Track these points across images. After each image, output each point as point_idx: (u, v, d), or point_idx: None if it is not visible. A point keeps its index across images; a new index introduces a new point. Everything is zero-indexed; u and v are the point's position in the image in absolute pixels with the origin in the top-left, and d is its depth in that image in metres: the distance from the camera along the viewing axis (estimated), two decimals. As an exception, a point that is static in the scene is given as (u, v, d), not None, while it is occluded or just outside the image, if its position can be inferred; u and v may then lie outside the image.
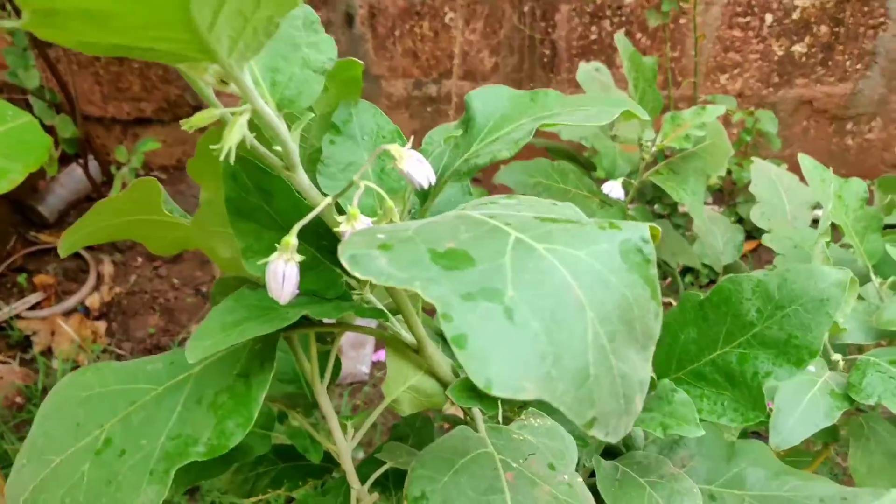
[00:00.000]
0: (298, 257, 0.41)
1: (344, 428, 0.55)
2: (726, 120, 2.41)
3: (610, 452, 0.70)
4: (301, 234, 0.43)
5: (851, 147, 2.49)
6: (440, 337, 0.65)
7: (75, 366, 2.11)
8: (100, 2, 0.26)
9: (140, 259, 2.61)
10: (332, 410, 0.54)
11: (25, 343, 2.23)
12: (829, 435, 0.86)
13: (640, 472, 0.64)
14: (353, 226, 0.40)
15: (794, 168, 2.01)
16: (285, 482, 0.69)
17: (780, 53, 2.32)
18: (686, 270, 2.07)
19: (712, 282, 2.21)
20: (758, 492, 0.65)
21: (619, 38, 1.11)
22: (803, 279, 0.59)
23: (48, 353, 2.17)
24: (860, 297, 0.87)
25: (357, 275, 0.31)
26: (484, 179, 2.60)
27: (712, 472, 0.67)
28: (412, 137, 0.47)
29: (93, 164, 2.61)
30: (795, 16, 2.24)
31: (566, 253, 0.32)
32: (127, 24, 0.28)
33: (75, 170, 2.65)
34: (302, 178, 0.42)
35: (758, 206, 1.20)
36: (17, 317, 2.32)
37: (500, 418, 0.52)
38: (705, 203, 2.14)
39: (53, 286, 2.47)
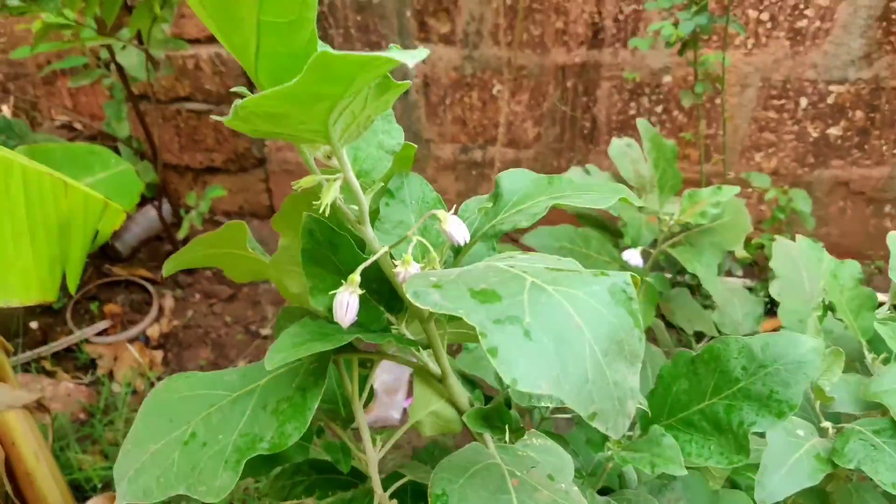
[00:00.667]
0: (359, 291, 0.54)
1: (374, 441, 0.67)
2: (760, 197, 2.49)
3: (604, 492, 0.79)
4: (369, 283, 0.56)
5: (891, 229, 2.53)
6: (460, 374, 0.76)
7: (133, 390, 2.27)
8: (283, 110, 0.40)
9: (198, 296, 2.80)
10: (366, 424, 0.66)
11: (91, 366, 2.41)
12: (819, 499, 0.92)
13: (629, 506, 0.73)
14: (407, 270, 0.53)
15: (832, 248, 2.09)
16: (317, 491, 0.80)
17: (816, 135, 2.41)
18: (702, 337, 2.14)
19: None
20: (736, 532, 0.73)
21: (641, 123, 1.24)
22: (783, 344, 0.69)
23: (110, 376, 2.34)
24: (854, 371, 0.95)
25: (418, 305, 0.44)
26: (516, 239, 2.73)
27: (697, 513, 0.76)
28: (454, 206, 0.60)
29: (166, 207, 2.85)
30: (830, 100, 2.34)
31: (568, 292, 0.44)
32: (290, 122, 0.42)
33: (150, 210, 2.89)
34: (369, 230, 0.55)
35: (777, 281, 1.29)
36: (86, 341, 2.52)
37: (507, 439, 0.63)
38: (736, 276, 2.21)
39: (120, 315, 2.67)
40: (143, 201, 2.90)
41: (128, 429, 1.91)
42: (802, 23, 2.24)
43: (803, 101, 2.37)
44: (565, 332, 0.41)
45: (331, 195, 0.48)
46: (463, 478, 0.57)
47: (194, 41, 2.65)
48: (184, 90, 2.83)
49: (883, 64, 2.24)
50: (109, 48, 2.28)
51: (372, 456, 0.66)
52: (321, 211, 0.48)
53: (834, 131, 2.40)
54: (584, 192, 0.58)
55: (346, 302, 0.53)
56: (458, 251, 0.60)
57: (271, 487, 0.85)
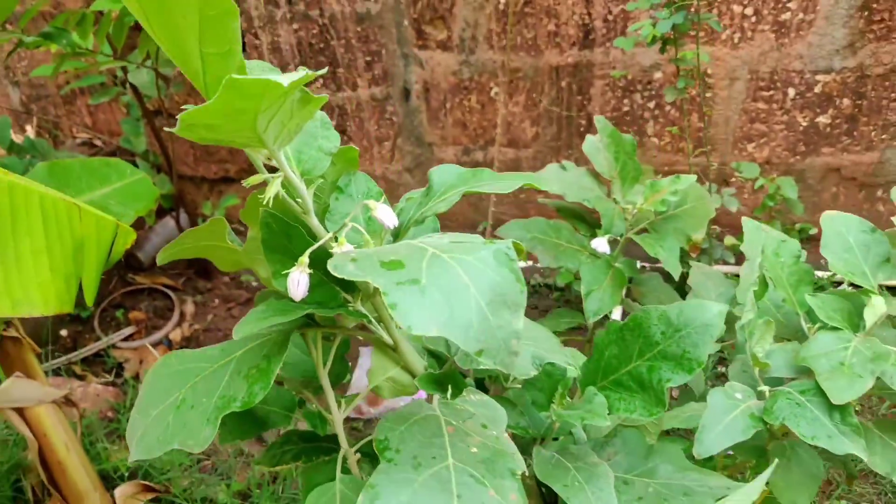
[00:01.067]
0: (308, 271, 0.65)
1: (339, 404, 0.78)
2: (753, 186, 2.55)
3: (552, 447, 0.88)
4: (314, 265, 0.67)
5: (884, 213, 2.57)
6: (424, 348, 0.87)
7: (157, 391, 2.41)
8: (215, 121, 0.51)
9: (217, 301, 2.94)
10: (330, 387, 0.76)
11: (118, 369, 2.56)
12: (757, 454, 1.01)
13: (569, 460, 0.83)
14: (341, 250, 0.64)
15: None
16: (303, 457, 0.91)
17: (805, 124, 2.47)
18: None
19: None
20: (664, 480, 0.82)
21: (598, 119, 1.33)
22: (694, 310, 0.79)
23: (136, 377, 2.48)
24: (789, 339, 1.03)
25: (336, 274, 0.54)
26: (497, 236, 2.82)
27: (631, 465, 0.85)
28: (381, 196, 0.70)
29: (183, 217, 3.00)
30: (817, 90, 2.39)
31: (460, 258, 0.55)
32: (226, 131, 0.53)
33: (169, 221, 3.04)
34: (313, 219, 0.66)
35: (747, 263, 1.37)
36: (113, 346, 2.67)
37: (449, 396, 0.73)
38: (728, 263, 2.28)
39: (144, 321, 2.82)
40: (162, 212, 3.06)
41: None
42: (786, 15, 2.31)
43: (791, 92, 2.43)
44: (454, 288, 0.52)
45: (272, 190, 0.59)
46: (404, 426, 0.67)
47: (205, 59, 2.79)
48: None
49: (867, 52, 2.29)
50: (123, 68, 2.42)
51: (337, 416, 0.77)
52: (265, 203, 0.59)
53: (823, 119, 2.45)
54: (497, 181, 0.68)
55: (297, 280, 0.64)
56: (397, 236, 0.71)
57: (264, 456, 0.96)
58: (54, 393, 1.58)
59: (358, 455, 0.77)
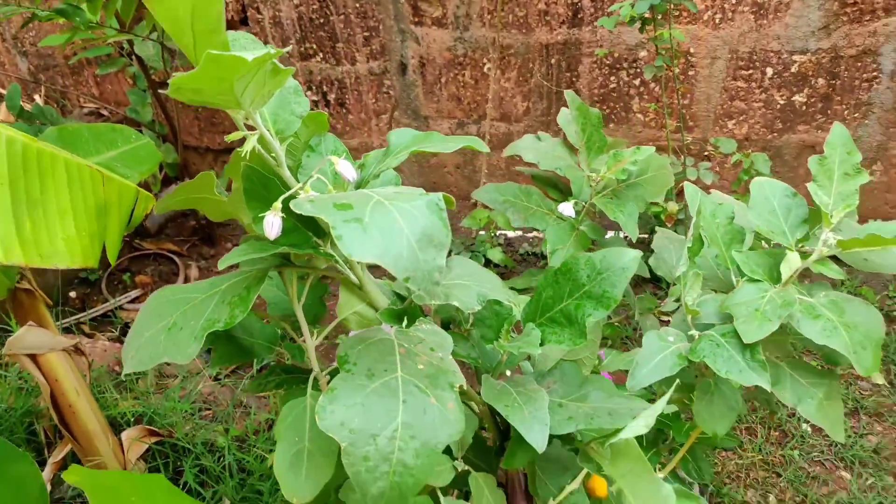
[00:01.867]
0: (281, 215, 0.77)
1: (312, 333, 0.91)
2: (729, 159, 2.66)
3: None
4: (288, 211, 0.79)
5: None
6: (394, 293, 0.99)
7: (161, 349, 2.55)
8: (199, 86, 0.63)
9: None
10: (304, 318, 0.89)
11: (125, 328, 2.71)
12: (687, 390, 1.14)
13: (513, 386, 0.96)
14: (304, 195, 0.76)
15: None
16: (284, 385, 1.04)
17: (782, 102, 2.56)
18: (647, 281, 2.34)
19: (666, 291, 2.46)
20: (593, 404, 0.96)
21: (568, 94, 1.44)
22: (614, 256, 0.91)
23: (141, 336, 2.62)
24: (719, 291, 1.16)
25: (296, 211, 0.67)
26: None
27: (566, 392, 0.99)
28: (345, 153, 0.82)
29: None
30: (794, 69, 2.49)
31: (398, 205, 0.67)
32: (208, 94, 0.66)
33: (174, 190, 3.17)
34: (285, 171, 0.78)
35: (693, 225, 1.49)
36: (120, 308, 2.82)
37: (404, 326, 0.86)
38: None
39: (150, 284, 2.97)
40: (168, 181, 3.19)
41: (157, 379, 2.18)
42: (764, -4, 2.40)
43: (769, 71, 2.53)
44: (390, 227, 0.64)
45: (249, 145, 0.71)
46: (362, 345, 0.81)
47: (207, 32, 2.90)
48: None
49: (840, 34, 2.38)
50: (130, 41, 2.54)
51: (310, 342, 0.90)
52: (243, 156, 0.71)
53: (799, 98, 2.55)
54: (443, 142, 0.80)
55: (272, 222, 0.76)
56: (359, 188, 0.83)
57: (251, 385, 1.10)
58: (65, 342, 1.72)
59: (328, 377, 0.90)
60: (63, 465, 1.85)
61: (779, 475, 2.01)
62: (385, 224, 0.65)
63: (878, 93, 2.45)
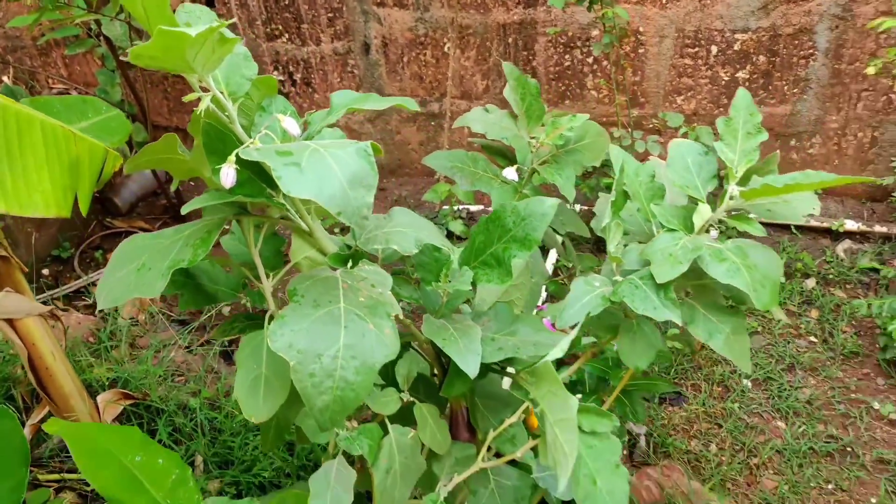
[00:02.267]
0: (235, 166, 0.87)
1: (268, 276, 1.01)
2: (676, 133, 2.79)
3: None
4: (242, 164, 0.90)
5: (796, 161, 2.83)
6: (344, 244, 1.10)
7: (136, 321, 2.63)
8: (155, 54, 0.73)
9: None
10: (260, 262, 1.00)
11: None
12: (612, 331, 1.26)
13: (451, 323, 1.07)
14: (252, 146, 0.87)
15: None
16: (248, 330, 1.15)
17: (727, 79, 2.70)
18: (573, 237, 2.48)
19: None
20: (521, 338, 1.08)
21: (506, 66, 1.54)
22: (535, 204, 1.03)
23: (115, 310, 2.70)
24: (643, 242, 1.28)
25: (243, 157, 0.77)
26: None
27: (499, 328, 1.11)
28: (290, 112, 0.93)
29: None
30: (736, 47, 2.62)
31: (332, 151, 0.78)
32: (163, 61, 0.76)
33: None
34: (237, 127, 0.89)
35: (616, 182, 1.61)
36: (93, 284, 2.88)
37: (349, 266, 0.97)
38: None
39: (121, 262, 3.04)
40: (138, 161, 3.24)
41: (130, 350, 2.26)
42: (708, -23, 2.52)
43: (714, 49, 2.66)
44: (324, 170, 0.75)
45: (203, 104, 0.81)
46: (310, 281, 0.91)
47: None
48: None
49: (778, 14, 2.52)
50: (97, 22, 2.59)
51: (266, 284, 1.01)
52: (199, 113, 0.81)
53: (742, 75, 2.69)
54: (377, 101, 0.91)
55: (227, 172, 0.87)
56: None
57: (217, 331, 1.20)
58: (41, 308, 1.80)
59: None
60: (40, 428, 1.94)
61: (720, 426, 2.16)
62: (320, 167, 0.76)
63: (815, 69, 2.60)
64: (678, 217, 1.23)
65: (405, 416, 1.15)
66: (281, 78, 3.13)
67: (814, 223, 2.75)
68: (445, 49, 2.92)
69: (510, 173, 1.56)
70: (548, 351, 1.03)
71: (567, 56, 2.80)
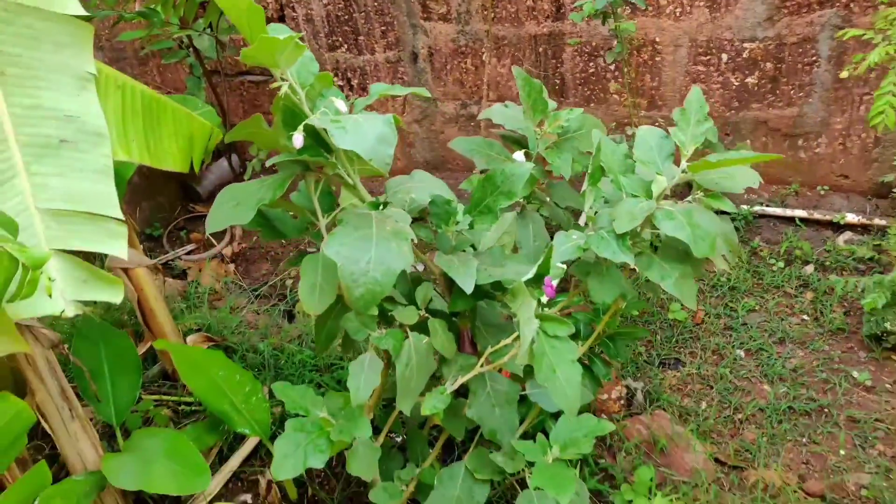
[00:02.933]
0: (302, 133, 1.28)
1: (324, 216, 1.42)
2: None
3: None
4: (308, 132, 1.30)
5: (804, 159, 3.09)
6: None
7: (213, 289, 3.10)
8: (256, 55, 1.14)
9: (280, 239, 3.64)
10: (319, 207, 1.40)
11: (183, 274, 3.27)
12: (586, 273, 1.61)
13: (456, 258, 1.45)
14: (315, 118, 1.26)
15: (760, 175, 2.75)
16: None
17: (737, 84, 2.99)
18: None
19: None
20: (506, 269, 1.44)
21: (515, 69, 1.91)
22: (517, 167, 1.40)
23: (198, 283, 3.18)
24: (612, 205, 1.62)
25: (310, 124, 1.18)
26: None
27: (493, 263, 1.47)
28: (342, 97, 1.33)
29: (234, 158, 3.69)
30: (745, 55, 2.91)
31: (367, 121, 1.18)
32: (261, 59, 1.17)
33: (223, 162, 3.74)
34: (305, 107, 1.29)
35: (593, 159, 1.94)
36: (179, 258, 3.39)
37: (380, 209, 1.36)
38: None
39: (202, 240, 3.53)
40: (217, 155, 3.74)
41: (211, 310, 2.71)
42: (717, -7, 2.83)
43: (724, 57, 2.96)
44: (361, 132, 1.14)
45: (283, 90, 1.21)
46: (352, 215, 1.31)
47: (252, 28, 3.45)
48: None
49: (783, 24, 2.80)
50: (189, 36, 3.09)
51: (322, 222, 1.40)
52: (280, 96, 1.22)
53: (751, 80, 2.97)
54: (401, 90, 1.30)
55: (297, 137, 1.26)
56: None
57: (286, 262, 1.61)
58: (148, 260, 2.27)
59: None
60: (145, 358, 2.40)
61: (711, 387, 2.45)
62: (358, 130, 1.15)
63: (818, 75, 2.86)
64: (641, 186, 1.57)
65: (422, 330, 1.52)
66: (340, 83, 3.58)
67: (817, 216, 3.00)
68: (483, 58, 3.30)
69: (519, 156, 1.92)
70: (523, 276, 1.39)
71: (591, 64, 3.14)
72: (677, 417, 2.31)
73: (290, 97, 1.27)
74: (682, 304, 2.75)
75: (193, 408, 2.27)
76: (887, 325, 2.36)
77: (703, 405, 2.39)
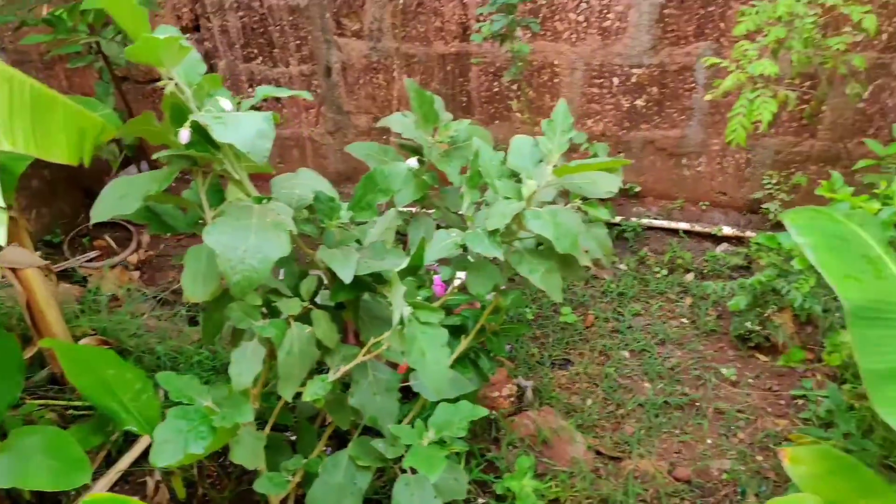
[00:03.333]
0: (189, 129, 1.35)
1: (210, 210, 1.49)
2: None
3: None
4: (195, 129, 1.37)
5: (688, 177, 3.35)
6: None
7: (115, 296, 3.06)
8: (140, 53, 1.21)
9: (168, 234, 3.62)
10: (206, 200, 1.47)
11: (83, 282, 3.21)
12: (464, 267, 1.73)
13: (338, 250, 1.54)
14: (200, 116, 1.34)
15: (649, 191, 3.03)
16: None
17: (627, 106, 3.23)
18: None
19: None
20: (384, 262, 1.54)
21: (407, 81, 2.03)
22: (396, 166, 1.51)
23: (97, 290, 3.13)
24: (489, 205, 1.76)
25: (194, 120, 1.25)
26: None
27: (373, 256, 1.57)
28: (227, 96, 1.41)
29: (144, 165, 3.66)
30: (634, 80, 3.15)
31: (247, 117, 1.26)
32: (147, 56, 1.24)
33: (132, 168, 3.70)
34: (192, 105, 1.36)
35: (471, 164, 2.09)
36: (81, 266, 3.32)
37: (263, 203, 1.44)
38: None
39: (106, 248, 3.48)
40: (127, 161, 3.70)
41: (109, 315, 2.68)
42: (607, 23, 3.06)
43: (616, 81, 3.19)
44: (240, 127, 1.22)
45: (169, 88, 1.29)
46: (234, 207, 1.38)
47: (163, 36, 3.47)
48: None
49: (665, 53, 3.05)
50: (97, 42, 3.08)
51: (208, 215, 1.48)
52: (166, 94, 1.29)
53: (640, 103, 3.21)
54: (283, 92, 1.39)
55: (184, 133, 1.33)
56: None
57: (175, 257, 1.66)
58: (40, 261, 2.25)
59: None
60: (32, 363, 2.36)
61: (597, 385, 2.62)
62: (237, 125, 1.23)
63: (697, 100, 3.13)
64: (513, 189, 1.71)
65: (307, 322, 1.60)
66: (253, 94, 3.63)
67: (698, 228, 3.26)
68: (395, 74, 3.43)
69: (412, 162, 2.04)
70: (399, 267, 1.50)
71: (496, 83, 3.32)
72: (563, 413, 2.46)
73: (178, 95, 1.34)
74: (572, 308, 2.94)
75: (82, 412, 2.24)
76: (748, 324, 2.59)
77: (589, 402, 2.55)
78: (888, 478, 1.98)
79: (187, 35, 3.49)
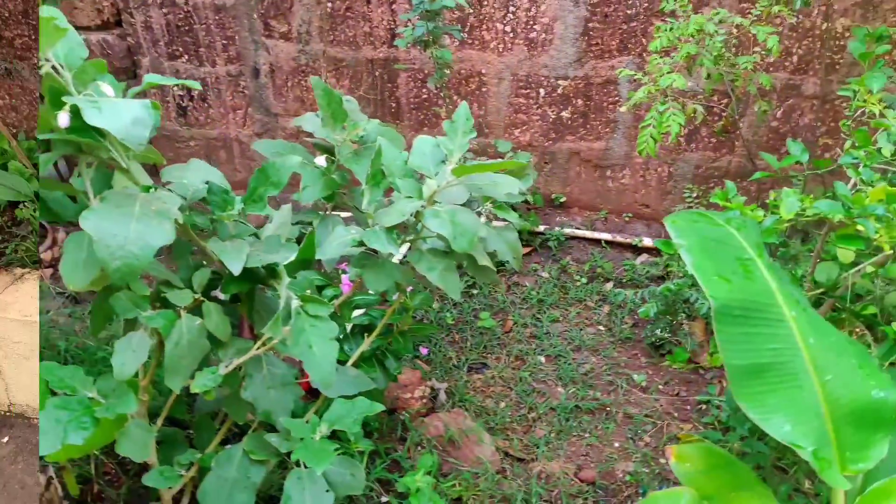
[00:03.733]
0: (69, 112, 1.32)
1: (95, 197, 1.46)
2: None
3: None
4: (76, 113, 1.34)
5: (612, 189, 3.43)
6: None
7: (24, 294, 2.95)
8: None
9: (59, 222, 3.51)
10: (90, 188, 1.44)
11: (-9, 276, 3.09)
12: (362, 265, 1.73)
13: (230, 243, 1.52)
14: (79, 100, 1.31)
15: (574, 202, 3.08)
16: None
17: (553, 117, 3.30)
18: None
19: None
20: (275, 256, 1.54)
21: (314, 80, 2.04)
22: (288, 160, 1.51)
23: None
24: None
25: (69, 102, 1.23)
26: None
27: (266, 250, 1.56)
28: (110, 81, 1.38)
29: (61, 164, 3.55)
30: (560, 91, 3.22)
31: (125, 103, 1.24)
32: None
33: (51, 169, 3.58)
34: (72, 88, 1.33)
35: (372, 163, 2.10)
36: (-11, 261, 3.20)
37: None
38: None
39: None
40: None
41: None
42: (534, 34, 3.13)
43: (542, 91, 3.26)
44: (116, 112, 1.20)
45: (45, 69, 1.26)
46: (116, 194, 1.35)
47: (85, 28, 3.38)
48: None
49: (590, 66, 3.13)
50: None
51: (94, 202, 1.45)
52: (43, 75, 1.26)
53: (565, 114, 3.28)
54: (167, 81, 1.37)
55: (62, 116, 1.30)
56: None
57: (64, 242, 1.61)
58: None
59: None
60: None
61: (511, 389, 2.65)
62: (113, 110, 1.21)
63: (621, 113, 3.22)
64: (414, 189, 1.73)
65: (200, 314, 1.58)
66: (180, 93, 3.57)
67: (620, 239, 3.34)
68: (323, 78, 3.42)
69: (320, 160, 2.04)
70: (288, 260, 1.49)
71: (424, 90, 3.35)
72: (474, 415, 2.47)
73: (56, 78, 1.31)
74: (491, 314, 2.97)
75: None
76: (658, 331, 2.66)
77: (502, 405, 2.57)
78: (780, 478, 2.06)
79: (108, 30, 3.42)
